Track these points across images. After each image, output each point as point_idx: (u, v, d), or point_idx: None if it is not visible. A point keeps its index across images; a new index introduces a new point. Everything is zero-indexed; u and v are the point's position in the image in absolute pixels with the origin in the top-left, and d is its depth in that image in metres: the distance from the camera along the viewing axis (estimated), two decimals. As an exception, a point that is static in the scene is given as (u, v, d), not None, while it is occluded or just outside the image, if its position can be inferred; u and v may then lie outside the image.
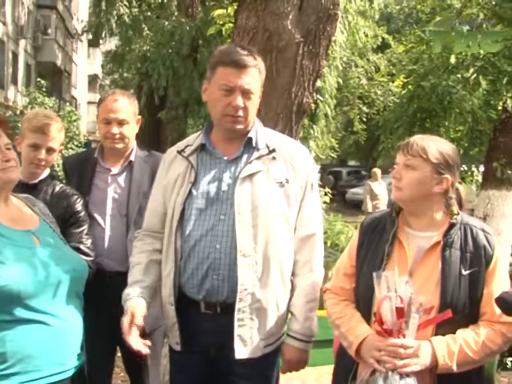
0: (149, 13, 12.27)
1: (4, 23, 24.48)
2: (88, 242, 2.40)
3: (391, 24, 20.89)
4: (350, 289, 2.07)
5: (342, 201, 22.36)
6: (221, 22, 4.63)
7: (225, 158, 2.14)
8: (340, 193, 23.15)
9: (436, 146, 1.93)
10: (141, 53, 10.45)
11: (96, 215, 2.61)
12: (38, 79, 17.58)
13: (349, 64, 12.19)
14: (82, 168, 2.72)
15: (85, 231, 2.42)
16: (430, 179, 1.92)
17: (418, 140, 1.95)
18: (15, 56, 26.47)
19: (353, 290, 2.07)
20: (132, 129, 2.68)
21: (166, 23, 10.53)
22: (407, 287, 1.79)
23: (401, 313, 1.77)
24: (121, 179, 2.68)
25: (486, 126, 6.47)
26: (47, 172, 2.55)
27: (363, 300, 1.99)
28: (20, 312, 1.78)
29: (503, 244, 5.35)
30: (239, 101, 2.05)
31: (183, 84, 10.09)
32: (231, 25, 4.26)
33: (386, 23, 17.89)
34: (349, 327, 1.98)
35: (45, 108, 13.25)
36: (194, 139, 2.22)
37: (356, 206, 18.16)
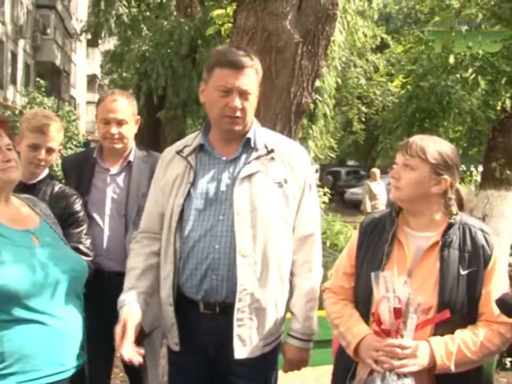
0: (147, 13, 12.27)
1: (3, 23, 24.46)
2: (87, 242, 2.40)
3: (390, 24, 20.90)
4: (350, 288, 2.08)
5: (341, 201, 22.37)
6: (220, 22, 4.63)
7: (224, 158, 2.14)
8: (339, 193, 23.18)
9: (435, 146, 1.93)
10: (140, 52, 10.45)
11: (95, 215, 2.61)
12: (37, 79, 17.57)
13: (347, 64, 12.19)
14: (81, 168, 2.72)
15: (84, 231, 2.42)
16: (428, 179, 1.92)
17: (418, 140, 1.95)
18: (14, 56, 26.45)
19: (353, 289, 2.07)
20: (130, 129, 2.68)
21: (165, 23, 10.53)
22: (405, 288, 1.79)
23: (399, 313, 1.78)
24: (120, 179, 2.68)
25: (484, 126, 6.46)
26: (46, 172, 2.54)
27: (362, 300, 1.99)
28: (18, 312, 1.78)
29: (502, 244, 5.35)
30: (237, 102, 2.05)
31: (182, 84, 10.09)
32: (230, 25, 4.26)
33: (385, 23, 17.90)
34: (348, 326, 1.98)
35: (44, 107, 13.22)
36: (192, 139, 2.21)
37: (355, 206, 18.18)
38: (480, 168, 6.77)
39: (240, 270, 2.03)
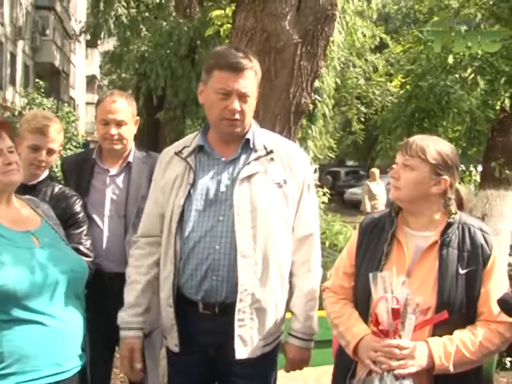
0: (146, 14, 12.27)
1: (2, 24, 24.46)
2: (88, 243, 2.40)
3: (389, 24, 20.91)
4: (350, 287, 2.08)
5: (340, 201, 22.36)
6: (219, 23, 4.63)
7: (223, 159, 2.14)
8: (338, 193, 23.16)
9: (435, 146, 1.93)
10: (139, 53, 10.44)
11: (94, 216, 2.61)
12: (36, 80, 17.57)
13: (347, 64, 12.19)
14: (81, 169, 2.72)
15: (84, 232, 2.42)
16: (428, 179, 1.92)
17: (418, 140, 1.95)
18: (13, 57, 26.46)
19: (353, 289, 2.07)
20: (130, 130, 2.68)
21: (164, 23, 10.53)
22: (403, 288, 1.79)
23: (397, 314, 1.78)
24: (120, 180, 2.68)
25: (484, 126, 6.46)
26: (46, 173, 2.54)
27: (361, 300, 1.99)
28: (17, 313, 1.78)
29: (501, 244, 5.35)
30: (236, 105, 2.04)
31: (181, 85, 10.09)
32: (229, 26, 4.26)
33: (384, 23, 17.89)
34: (347, 326, 1.98)
35: (43, 108, 13.22)
36: (191, 140, 2.21)
37: (354, 206, 18.18)
38: (480, 168, 6.77)
39: (241, 271, 2.03)
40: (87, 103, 39.95)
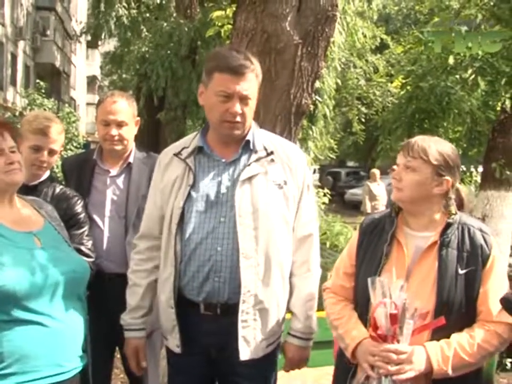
0: (147, 14, 12.28)
1: (3, 25, 24.47)
2: (89, 243, 2.40)
3: (389, 25, 20.92)
4: (350, 287, 2.08)
5: (341, 202, 22.36)
6: (219, 24, 4.63)
7: (223, 160, 2.14)
8: (339, 194, 23.17)
9: (436, 147, 1.93)
10: (140, 54, 10.46)
11: (95, 217, 2.61)
12: (37, 81, 17.58)
13: (347, 65, 12.20)
14: (81, 170, 2.72)
15: (86, 233, 2.42)
16: (430, 180, 1.92)
17: (419, 140, 1.95)
18: (14, 57, 26.47)
19: (353, 289, 2.07)
20: (130, 131, 2.68)
21: (165, 24, 10.54)
22: (401, 293, 1.79)
23: (395, 319, 1.78)
24: (120, 181, 2.68)
25: (484, 127, 6.45)
26: (47, 173, 2.55)
27: (361, 301, 1.99)
28: (17, 313, 1.78)
29: (502, 245, 5.35)
30: (237, 107, 2.04)
31: (181, 85, 10.10)
32: (229, 26, 4.26)
33: (384, 24, 17.90)
34: (346, 329, 1.98)
35: (44, 109, 13.23)
36: (190, 141, 2.21)
37: (355, 207, 18.19)
38: (480, 169, 6.76)
39: (243, 272, 2.04)
40: (88, 104, 39.96)
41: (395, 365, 1.78)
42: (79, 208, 2.46)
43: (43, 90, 15.49)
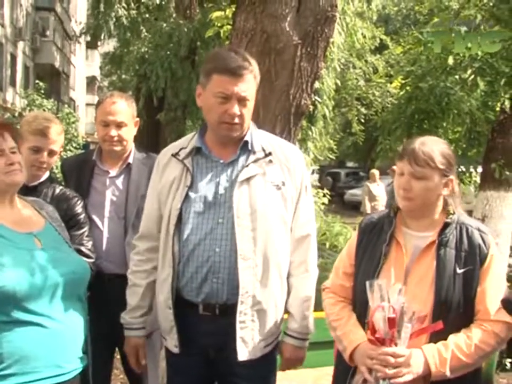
0: (147, 15, 12.29)
1: (2, 25, 24.48)
2: (89, 244, 2.40)
3: (389, 25, 20.93)
4: (350, 287, 2.08)
5: (340, 203, 22.36)
6: (219, 24, 4.63)
7: (221, 161, 2.14)
8: (338, 194, 23.16)
9: (438, 150, 1.92)
10: (139, 54, 10.46)
11: (94, 217, 2.61)
12: (37, 81, 17.62)
13: (347, 65, 12.22)
14: (81, 170, 2.72)
15: (86, 233, 2.42)
16: (439, 184, 1.92)
17: (421, 146, 1.91)
18: (14, 58, 26.47)
19: (352, 288, 2.07)
20: (130, 132, 2.68)
21: (164, 25, 10.55)
22: (399, 297, 1.79)
23: (393, 323, 1.78)
24: (119, 181, 2.68)
25: (484, 127, 6.45)
26: (47, 174, 2.54)
27: (359, 301, 1.99)
28: (16, 314, 1.78)
29: (501, 245, 5.35)
30: (236, 109, 2.04)
31: (181, 86, 10.10)
32: (229, 27, 4.27)
33: (384, 25, 17.90)
34: (344, 331, 1.98)
35: (43, 109, 13.25)
36: (188, 141, 2.20)
37: (354, 207, 18.19)
38: (480, 169, 6.76)
39: (241, 273, 2.04)
40: (87, 104, 39.96)
41: (393, 368, 1.78)
42: (79, 208, 2.46)
43: (42, 91, 15.52)
